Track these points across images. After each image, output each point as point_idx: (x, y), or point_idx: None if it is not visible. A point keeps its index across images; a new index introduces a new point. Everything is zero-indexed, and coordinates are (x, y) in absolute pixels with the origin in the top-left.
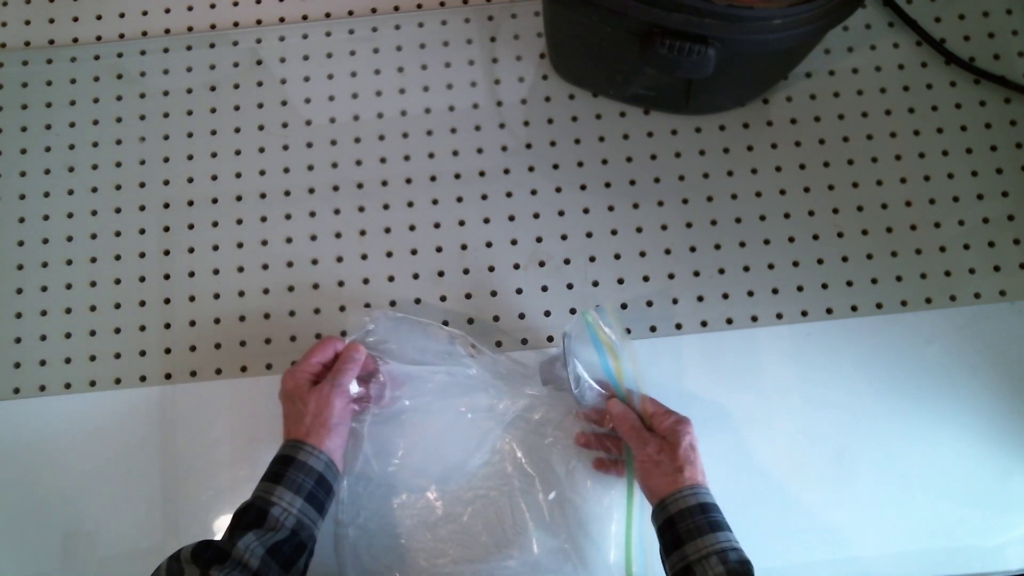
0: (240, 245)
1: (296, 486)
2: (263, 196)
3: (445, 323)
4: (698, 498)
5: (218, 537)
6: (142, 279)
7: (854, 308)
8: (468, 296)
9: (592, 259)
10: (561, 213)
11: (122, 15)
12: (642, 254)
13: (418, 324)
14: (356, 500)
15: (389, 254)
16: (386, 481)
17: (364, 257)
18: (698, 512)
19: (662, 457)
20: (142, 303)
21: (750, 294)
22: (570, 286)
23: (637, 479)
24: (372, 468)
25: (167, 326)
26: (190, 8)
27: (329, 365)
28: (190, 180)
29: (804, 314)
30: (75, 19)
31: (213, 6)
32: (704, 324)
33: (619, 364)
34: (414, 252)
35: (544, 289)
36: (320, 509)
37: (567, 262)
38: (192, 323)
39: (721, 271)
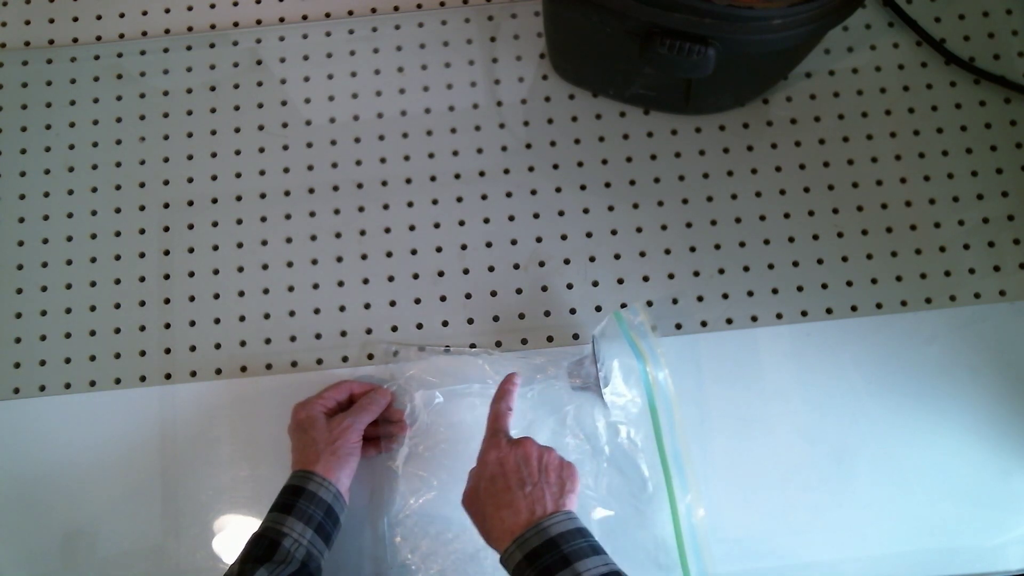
0: (240, 245)
1: (307, 517)
2: (263, 196)
3: (472, 345)
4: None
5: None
6: (142, 279)
7: (854, 308)
8: (468, 296)
9: (592, 259)
10: (561, 213)
11: (122, 15)
12: (642, 254)
13: (447, 357)
14: (395, 541)
15: (389, 254)
16: (424, 518)
17: (364, 257)
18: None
19: None
20: (142, 303)
21: (750, 294)
22: (570, 286)
23: None
24: (409, 505)
25: (167, 326)
26: (190, 8)
27: (344, 405)
28: (190, 180)
29: (804, 314)
30: (75, 19)
31: (213, 6)
32: (704, 324)
33: (652, 371)
34: (414, 252)
35: (544, 289)
36: (327, 540)
37: (567, 262)
38: (192, 323)
39: (721, 271)
